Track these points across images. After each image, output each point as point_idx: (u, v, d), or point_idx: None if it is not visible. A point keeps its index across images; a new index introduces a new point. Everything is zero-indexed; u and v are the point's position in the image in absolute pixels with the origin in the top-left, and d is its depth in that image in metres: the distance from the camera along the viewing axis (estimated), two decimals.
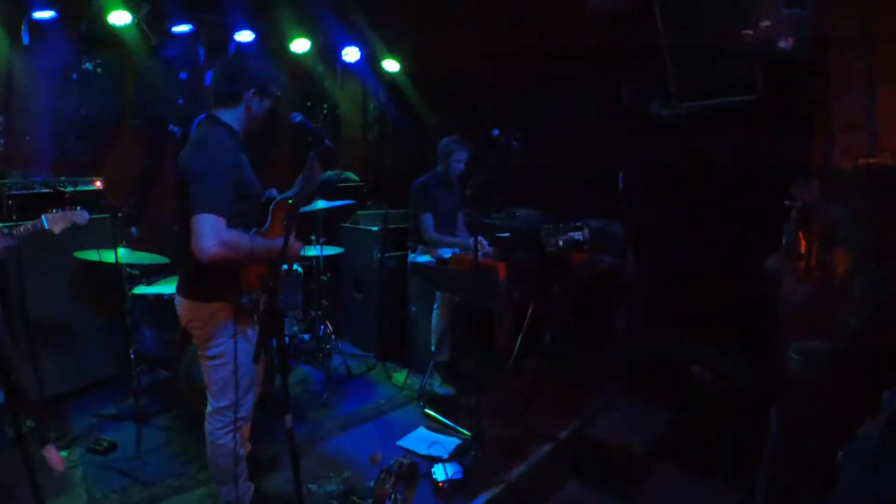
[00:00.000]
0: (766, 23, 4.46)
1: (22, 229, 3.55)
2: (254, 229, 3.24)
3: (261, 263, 3.20)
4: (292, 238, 3.17)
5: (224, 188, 2.97)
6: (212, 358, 3.28)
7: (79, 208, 3.80)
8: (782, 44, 4.46)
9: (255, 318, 3.25)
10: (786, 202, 3.45)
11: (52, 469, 3.39)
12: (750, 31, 4.53)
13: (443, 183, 5.71)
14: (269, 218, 3.33)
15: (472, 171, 5.59)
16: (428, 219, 5.55)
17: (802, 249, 3.36)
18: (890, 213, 2.90)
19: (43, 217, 3.63)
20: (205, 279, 3.14)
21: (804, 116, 4.83)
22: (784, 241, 3.47)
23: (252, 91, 3.21)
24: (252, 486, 3.67)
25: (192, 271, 3.21)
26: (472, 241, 5.39)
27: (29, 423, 4.25)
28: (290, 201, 3.48)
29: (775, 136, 5.08)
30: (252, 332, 3.30)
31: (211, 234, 2.84)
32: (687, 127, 5.56)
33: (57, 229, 3.67)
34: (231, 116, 3.25)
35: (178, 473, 4.14)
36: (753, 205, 5.18)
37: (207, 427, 3.40)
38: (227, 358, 3.21)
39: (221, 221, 2.89)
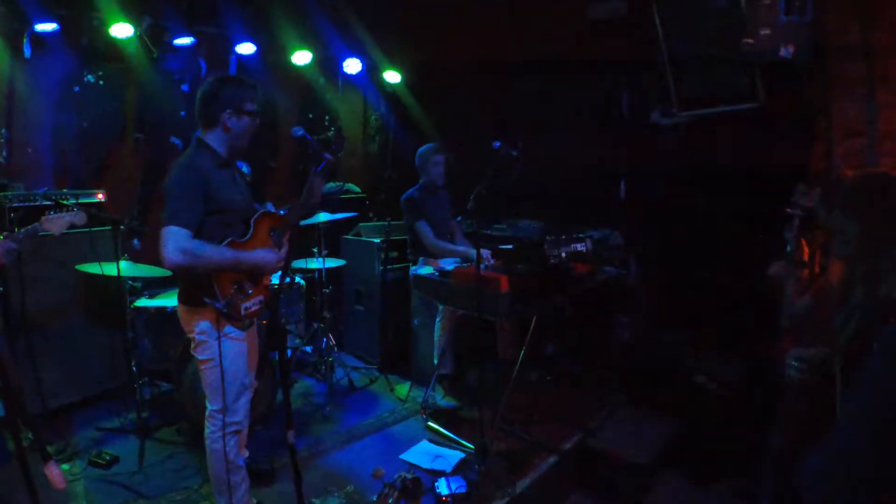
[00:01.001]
0: (766, 31, 4.47)
1: (21, 234, 3.46)
2: (228, 239, 3.34)
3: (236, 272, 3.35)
4: (266, 249, 3.46)
5: (189, 203, 3.20)
6: (202, 362, 3.42)
7: (76, 210, 3.68)
8: (783, 51, 4.47)
9: (244, 323, 3.40)
10: (787, 210, 3.45)
11: (54, 486, 3.36)
12: (750, 40, 4.54)
13: (429, 192, 5.74)
14: (252, 229, 3.45)
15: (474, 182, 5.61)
16: (424, 226, 5.57)
17: (805, 257, 3.35)
18: (886, 222, 2.90)
19: (38, 224, 3.51)
20: (187, 285, 3.39)
21: (805, 123, 4.83)
22: (787, 249, 3.46)
23: (228, 111, 3.38)
24: (254, 501, 3.66)
25: (180, 278, 3.51)
26: (472, 249, 5.41)
27: (29, 435, 4.24)
28: (282, 213, 3.69)
29: (776, 143, 5.08)
30: (238, 335, 3.42)
31: (171, 243, 3.10)
32: (687, 135, 5.55)
33: (56, 231, 3.56)
34: (213, 137, 3.45)
35: (181, 487, 4.12)
36: (755, 212, 5.17)
37: (205, 432, 3.49)
38: (214, 362, 3.33)
39: (183, 232, 3.13)
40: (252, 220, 3.47)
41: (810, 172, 4.81)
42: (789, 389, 3.18)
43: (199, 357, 3.40)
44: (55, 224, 3.55)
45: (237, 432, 3.46)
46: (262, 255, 3.42)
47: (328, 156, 3.12)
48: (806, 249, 3.38)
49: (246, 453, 3.68)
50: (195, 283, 3.25)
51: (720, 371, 5.38)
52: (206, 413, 3.48)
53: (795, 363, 3.06)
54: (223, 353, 3.29)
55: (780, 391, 3.31)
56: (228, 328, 3.34)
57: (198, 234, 3.19)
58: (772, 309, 3.63)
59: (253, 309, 3.43)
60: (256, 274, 3.47)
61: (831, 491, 2.37)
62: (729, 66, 4.83)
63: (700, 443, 4.79)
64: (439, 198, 5.81)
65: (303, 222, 5.51)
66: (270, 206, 3.71)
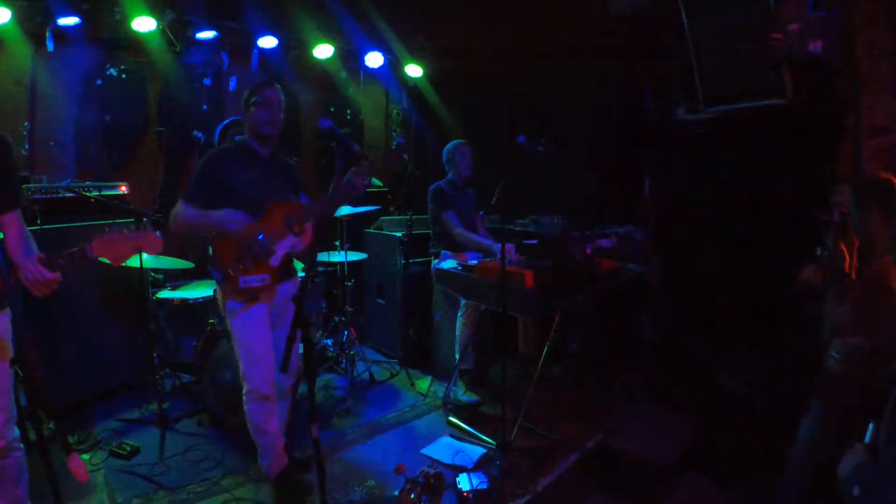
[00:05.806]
0: (794, 26, 4.42)
1: (62, 260, 2.77)
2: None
3: (234, 242, 3.58)
4: (232, 210, 3.63)
5: (198, 185, 3.64)
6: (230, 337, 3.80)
7: (146, 222, 2.99)
8: (811, 47, 4.42)
9: (260, 295, 3.64)
10: (824, 218, 3.38)
11: (76, 479, 3.35)
12: (778, 35, 4.49)
13: (455, 186, 5.72)
14: (264, 212, 3.67)
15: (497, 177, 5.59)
16: (452, 216, 5.55)
17: (846, 266, 3.24)
18: None
19: (89, 248, 2.80)
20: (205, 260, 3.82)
21: (832, 121, 4.77)
22: (818, 252, 3.39)
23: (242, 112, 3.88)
24: (286, 459, 3.84)
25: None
26: (496, 244, 5.38)
27: (51, 425, 4.25)
28: (301, 202, 3.90)
29: (803, 140, 5.02)
30: (242, 307, 3.65)
31: (172, 215, 3.62)
32: (712, 132, 5.50)
33: (116, 261, 2.82)
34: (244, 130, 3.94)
35: (201, 479, 4.11)
36: (780, 210, 5.12)
37: None
38: (233, 336, 3.72)
39: (182, 205, 3.61)
40: (266, 204, 3.66)
41: (838, 171, 4.75)
42: (823, 380, 3.13)
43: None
44: (114, 247, 2.80)
45: (257, 399, 3.69)
46: (226, 213, 3.57)
47: (356, 148, 3.15)
48: (847, 257, 3.27)
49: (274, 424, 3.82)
50: (206, 256, 3.54)
51: (743, 371, 5.33)
52: None
53: (836, 354, 3.00)
54: (232, 326, 3.67)
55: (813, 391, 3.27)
56: (234, 303, 3.63)
57: None
58: (795, 308, 3.58)
59: (252, 285, 3.58)
60: (228, 235, 3.58)
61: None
62: (756, 62, 4.78)
63: (723, 443, 4.74)
64: (466, 195, 5.78)
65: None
66: (303, 197, 3.92)
